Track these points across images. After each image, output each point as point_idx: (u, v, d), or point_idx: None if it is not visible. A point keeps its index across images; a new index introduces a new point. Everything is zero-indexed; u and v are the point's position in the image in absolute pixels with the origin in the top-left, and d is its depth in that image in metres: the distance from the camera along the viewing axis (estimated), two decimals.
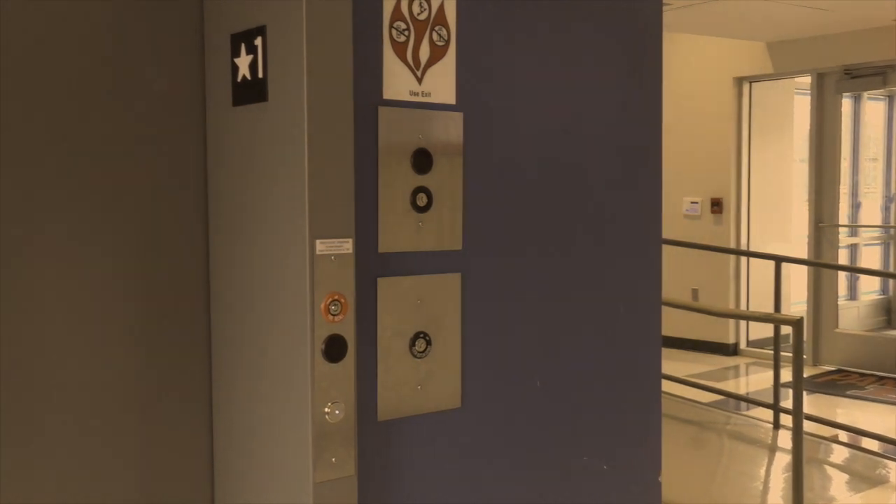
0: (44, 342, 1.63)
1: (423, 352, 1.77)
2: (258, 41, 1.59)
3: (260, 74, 1.59)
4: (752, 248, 9.29)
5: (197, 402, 1.79)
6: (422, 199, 1.75)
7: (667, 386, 5.78)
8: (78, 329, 1.66)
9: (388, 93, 1.70)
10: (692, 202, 9.55)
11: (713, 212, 9.45)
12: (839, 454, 5.87)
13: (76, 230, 1.65)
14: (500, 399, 1.91)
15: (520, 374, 1.94)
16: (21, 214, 1.60)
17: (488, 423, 1.89)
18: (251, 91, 1.62)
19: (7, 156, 1.58)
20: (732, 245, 9.31)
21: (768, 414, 6.20)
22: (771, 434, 6.04)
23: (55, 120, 1.62)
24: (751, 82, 9.39)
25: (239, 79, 1.64)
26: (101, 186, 1.67)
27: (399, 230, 1.73)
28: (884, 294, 9.86)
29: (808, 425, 5.19)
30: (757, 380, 8.49)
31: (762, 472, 5.62)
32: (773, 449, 5.91)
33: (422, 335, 1.77)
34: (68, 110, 1.63)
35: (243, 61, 1.62)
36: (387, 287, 1.72)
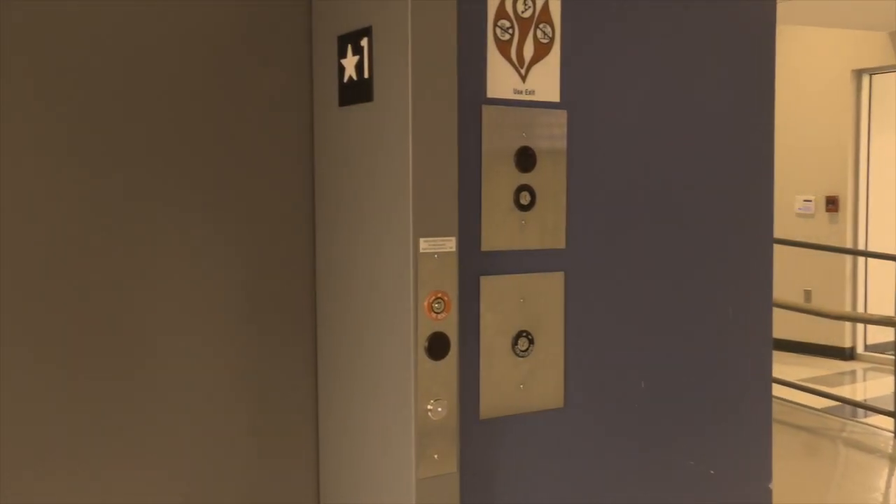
0: (162, 339, 1.70)
1: (525, 351, 1.76)
2: (364, 42, 1.61)
3: (366, 74, 1.61)
4: (871, 249, 8.88)
5: (303, 399, 1.83)
6: (525, 198, 1.74)
7: (778, 390, 5.59)
8: (191, 327, 1.72)
9: (492, 91, 1.70)
10: (805, 200, 9.19)
11: (828, 210, 9.07)
12: None
13: (190, 227, 1.71)
14: (604, 400, 1.88)
15: (624, 374, 1.91)
16: (139, 212, 1.67)
17: (591, 423, 1.87)
18: (357, 91, 1.64)
19: (128, 156, 1.65)
20: (849, 245, 8.92)
21: (888, 422, 5.91)
22: (891, 443, 5.76)
23: (171, 121, 1.68)
24: (871, 74, 8.97)
25: (345, 79, 1.67)
26: (213, 186, 1.73)
27: (502, 228, 1.73)
28: None
29: None
30: (876, 385, 8.11)
31: (882, 483, 5.36)
32: (893, 459, 5.63)
33: (524, 334, 1.76)
34: (183, 111, 1.69)
35: (350, 62, 1.65)
36: (490, 285, 1.72)
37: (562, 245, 1.80)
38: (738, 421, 2.07)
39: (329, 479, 1.82)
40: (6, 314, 1.56)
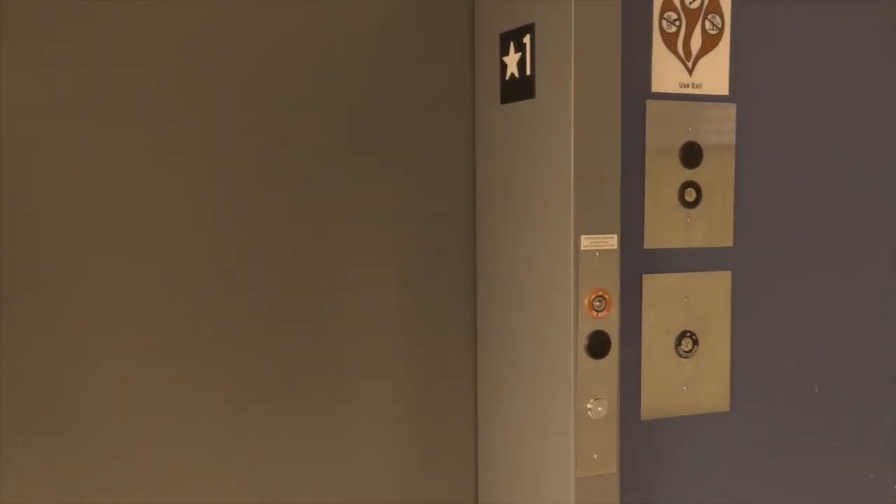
0: (340, 328, 1.77)
1: (689, 351, 1.72)
2: (526, 39, 1.61)
3: (528, 72, 1.61)
4: None
5: (462, 395, 1.86)
6: (690, 195, 1.69)
7: None
8: (361, 317, 1.78)
9: (657, 85, 1.66)
10: None
11: None
12: None
13: (359, 222, 1.77)
14: (773, 404, 1.81)
15: (796, 378, 1.82)
16: (319, 210, 1.74)
17: (759, 429, 1.80)
18: (519, 88, 1.65)
19: (303, 158, 1.72)
20: None
21: None
22: None
23: (342, 121, 1.75)
24: None
25: (507, 77, 1.68)
26: (382, 184, 1.78)
27: (666, 226, 1.69)
28: None
29: None
30: None
31: None
32: None
33: (688, 334, 1.71)
34: (352, 111, 1.75)
35: (511, 59, 1.66)
36: (652, 284, 1.68)
37: (729, 243, 1.74)
38: None
39: (487, 476, 1.83)
40: (230, 305, 1.67)
